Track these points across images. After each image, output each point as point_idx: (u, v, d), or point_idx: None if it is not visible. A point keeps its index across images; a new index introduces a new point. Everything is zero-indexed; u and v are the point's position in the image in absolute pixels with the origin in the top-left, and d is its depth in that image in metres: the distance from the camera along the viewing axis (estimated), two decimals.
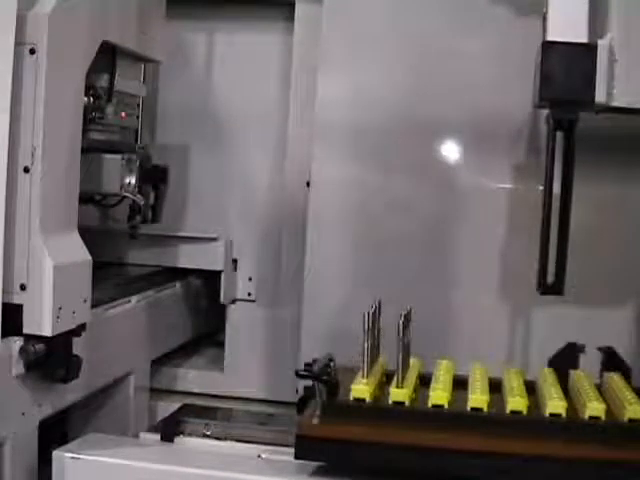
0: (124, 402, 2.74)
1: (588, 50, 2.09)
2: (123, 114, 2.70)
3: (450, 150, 2.73)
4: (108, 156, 2.60)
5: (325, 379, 2.03)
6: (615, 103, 2.11)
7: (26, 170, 2.04)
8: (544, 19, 2.15)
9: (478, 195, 2.69)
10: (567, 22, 2.11)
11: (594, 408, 1.97)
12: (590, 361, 2.30)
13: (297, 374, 2.06)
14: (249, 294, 3.20)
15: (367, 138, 2.74)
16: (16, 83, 2.00)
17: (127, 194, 2.66)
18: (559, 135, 2.21)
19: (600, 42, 2.10)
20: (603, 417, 1.97)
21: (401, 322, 2.06)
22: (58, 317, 2.09)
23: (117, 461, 2.09)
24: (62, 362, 2.15)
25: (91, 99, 2.49)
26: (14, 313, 2.04)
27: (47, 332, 2.06)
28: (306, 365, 2.08)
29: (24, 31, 2.01)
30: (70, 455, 2.08)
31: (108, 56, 2.51)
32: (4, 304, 2.01)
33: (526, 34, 2.51)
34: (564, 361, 2.29)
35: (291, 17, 3.04)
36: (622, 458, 1.91)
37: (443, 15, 2.69)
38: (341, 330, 2.62)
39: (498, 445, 1.94)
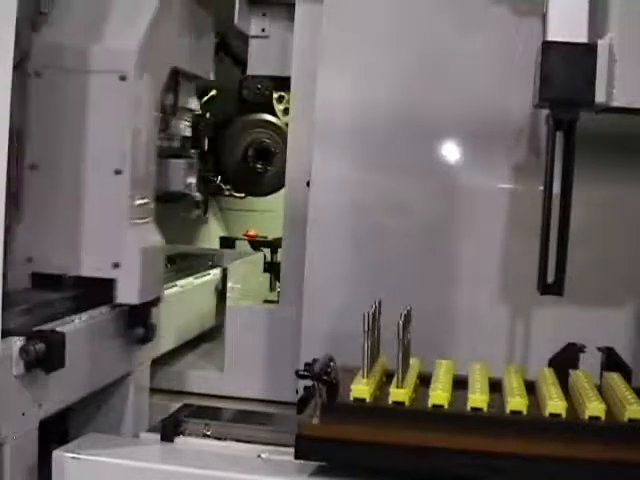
0: (124, 402, 2.74)
1: (588, 50, 2.10)
2: (182, 125, 3.20)
3: (450, 150, 2.72)
4: (174, 161, 3.10)
5: (325, 379, 2.03)
6: (615, 103, 2.11)
7: (118, 172, 2.52)
8: (544, 19, 2.15)
9: (478, 195, 2.69)
10: (567, 22, 2.11)
11: (594, 408, 1.98)
12: (590, 361, 2.30)
13: (297, 374, 2.06)
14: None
15: (367, 138, 2.73)
16: (110, 104, 2.53)
17: (189, 192, 3.14)
18: (559, 135, 2.21)
19: (600, 42, 2.10)
20: (603, 417, 1.97)
21: (401, 322, 2.06)
22: (143, 289, 2.57)
23: (117, 461, 2.09)
24: (143, 325, 2.65)
25: (160, 114, 2.87)
26: (107, 286, 2.54)
27: (135, 301, 2.56)
28: (306, 365, 2.08)
29: (115, 61, 2.52)
30: (70, 455, 2.09)
31: (172, 77, 2.94)
32: (100, 279, 2.52)
33: (526, 34, 2.52)
34: (564, 361, 2.29)
35: (291, 17, 3.04)
36: (622, 458, 1.91)
37: (443, 15, 2.69)
38: (341, 330, 2.62)
39: (498, 445, 1.95)
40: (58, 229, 2.55)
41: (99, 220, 2.53)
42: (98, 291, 2.53)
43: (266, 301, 3.67)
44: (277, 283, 3.49)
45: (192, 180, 3.19)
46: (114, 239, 2.53)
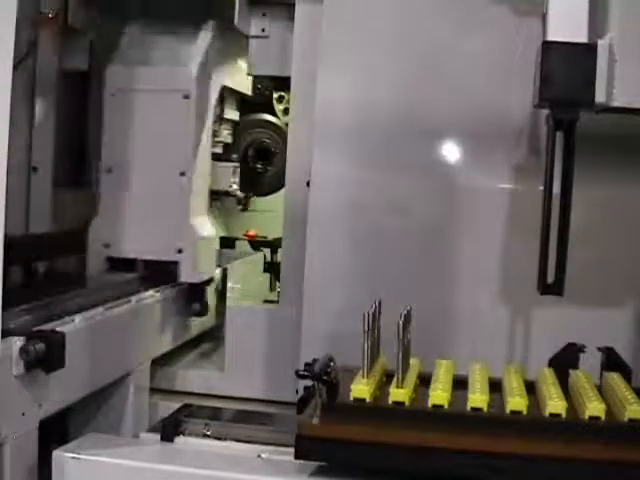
0: (124, 402, 2.74)
1: (588, 50, 2.09)
2: (225, 133, 3.74)
3: (450, 150, 2.72)
4: (222, 164, 3.65)
5: (325, 379, 2.03)
6: (615, 103, 2.11)
7: (182, 174, 3.10)
8: (544, 19, 2.15)
9: (478, 195, 2.69)
10: (567, 22, 2.11)
11: (594, 408, 1.97)
12: (590, 361, 2.29)
13: (297, 374, 2.06)
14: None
15: (367, 138, 2.73)
16: (175, 117, 3.08)
17: (233, 190, 3.73)
18: (559, 135, 2.21)
19: (600, 42, 2.10)
20: (603, 417, 1.97)
21: (401, 322, 2.06)
22: (199, 271, 3.14)
23: (117, 461, 2.09)
24: (199, 301, 3.19)
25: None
26: (171, 268, 3.11)
27: (195, 280, 3.14)
28: (306, 365, 2.08)
29: (179, 82, 3.09)
30: (70, 455, 2.08)
31: (220, 94, 3.48)
32: (166, 262, 3.10)
33: (526, 34, 2.52)
34: (564, 361, 2.29)
35: (291, 17, 3.04)
36: (622, 458, 1.91)
37: (443, 15, 2.69)
38: (341, 330, 2.62)
39: (498, 445, 1.94)
40: (131, 220, 3.11)
41: (166, 213, 3.09)
42: (164, 272, 3.10)
43: (266, 301, 3.69)
44: (277, 283, 3.49)
45: (235, 180, 3.75)
46: (178, 229, 3.10)
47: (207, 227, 3.27)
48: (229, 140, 3.84)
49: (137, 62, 3.12)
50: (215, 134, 3.53)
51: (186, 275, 3.12)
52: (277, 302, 3.21)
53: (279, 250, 3.63)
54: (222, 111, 3.62)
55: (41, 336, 2.12)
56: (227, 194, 3.78)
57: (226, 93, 3.59)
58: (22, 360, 2.07)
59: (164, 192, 3.10)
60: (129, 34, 3.23)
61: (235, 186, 3.77)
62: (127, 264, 3.12)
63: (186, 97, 3.09)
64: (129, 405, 2.75)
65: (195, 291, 3.19)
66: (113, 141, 3.14)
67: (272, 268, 4.10)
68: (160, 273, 3.09)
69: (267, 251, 4.22)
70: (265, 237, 4.29)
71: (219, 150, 3.69)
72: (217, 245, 3.46)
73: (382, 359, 2.26)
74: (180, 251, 3.09)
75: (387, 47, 2.72)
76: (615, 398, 2.07)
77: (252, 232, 4.25)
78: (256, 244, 4.31)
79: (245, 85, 3.77)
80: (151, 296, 2.95)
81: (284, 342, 3.01)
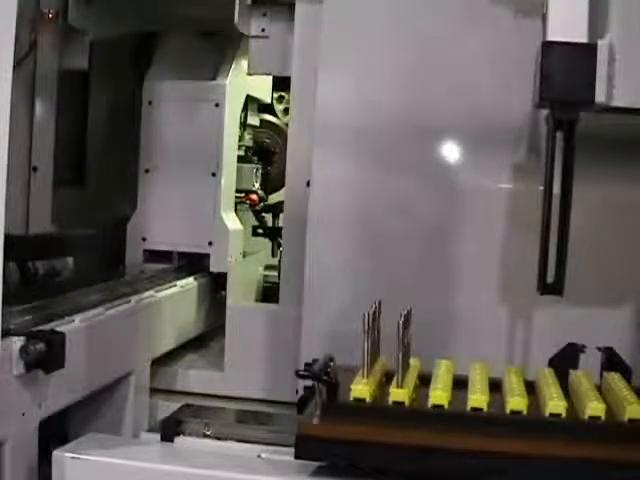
0: (124, 402, 2.74)
1: (588, 50, 2.09)
2: (247, 137, 4.00)
3: (450, 150, 2.72)
4: (246, 165, 3.95)
5: (325, 379, 2.03)
6: (615, 103, 2.11)
7: (213, 174, 3.50)
8: (544, 19, 2.15)
9: (478, 195, 2.69)
10: (567, 22, 2.11)
11: (594, 408, 1.97)
12: (590, 361, 2.29)
13: (297, 374, 2.06)
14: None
15: (367, 138, 2.73)
16: (207, 124, 3.50)
17: (256, 190, 4.02)
18: (559, 135, 2.21)
19: (600, 42, 2.10)
20: (603, 417, 1.97)
21: (401, 322, 2.06)
22: (229, 260, 3.50)
23: (117, 461, 2.09)
24: (225, 289, 3.34)
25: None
26: (203, 259, 3.52)
27: (225, 270, 3.42)
28: (306, 365, 2.08)
29: (210, 92, 3.52)
30: (70, 455, 2.08)
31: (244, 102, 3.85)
32: (198, 253, 3.52)
33: (526, 34, 2.52)
34: (564, 361, 2.29)
35: (291, 17, 3.04)
36: (622, 458, 1.90)
37: (443, 15, 2.69)
38: (341, 330, 2.62)
39: (498, 445, 1.94)
40: (166, 216, 3.51)
41: (198, 209, 3.48)
42: (196, 263, 3.51)
43: (267, 266, 3.90)
44: (279, 250, 3.63)
45: (258, 181, 4.05)
46: (209, 223, 3.49)
47: (234, 222, 3.62)
48: (250, 143, 4.07)
49: (174, 74, 3.53)
50: (239, 138, 3.79)
51: (215, 265, 3.48)
52: (278, 267, 3.25)
53: (280, 215, 3.91)
54: (245, 117, 3.91)
55: (41, 336, 2.12)
56: (250, 193, 4.02)
57: (249, 101, 3.87)
58: (22, 360, 2.07)
59: (197, 191, 3.48)
60: (166, 46, 3.63)
61: (257, 185, 4.04)
62: (162, 255, 3.52)
63: (217, 105, 3.49)
64: (129, 405, 2.75)
65: (222, 280, 3.43)
66: (150, 145, 3.53)
67: (274, 233, 4.14)
68: (192, 264, 3.49)
69: (269, 216, 4.29)
70: (266, 200, 4.24)
71: (242, 153, 3.91)
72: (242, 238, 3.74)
73: (382, 359, 2.26)
74: (210, 244, 3.47)
75: (387, 47, 2.72)
76: (615, 398, 2.07)
77: (254, 197, 4.16)
78: (258, 209, 4.26)
79: (265, 93, 4.02)
80: (189, 283, 3.37)
81: (284, 342, 3.01)
